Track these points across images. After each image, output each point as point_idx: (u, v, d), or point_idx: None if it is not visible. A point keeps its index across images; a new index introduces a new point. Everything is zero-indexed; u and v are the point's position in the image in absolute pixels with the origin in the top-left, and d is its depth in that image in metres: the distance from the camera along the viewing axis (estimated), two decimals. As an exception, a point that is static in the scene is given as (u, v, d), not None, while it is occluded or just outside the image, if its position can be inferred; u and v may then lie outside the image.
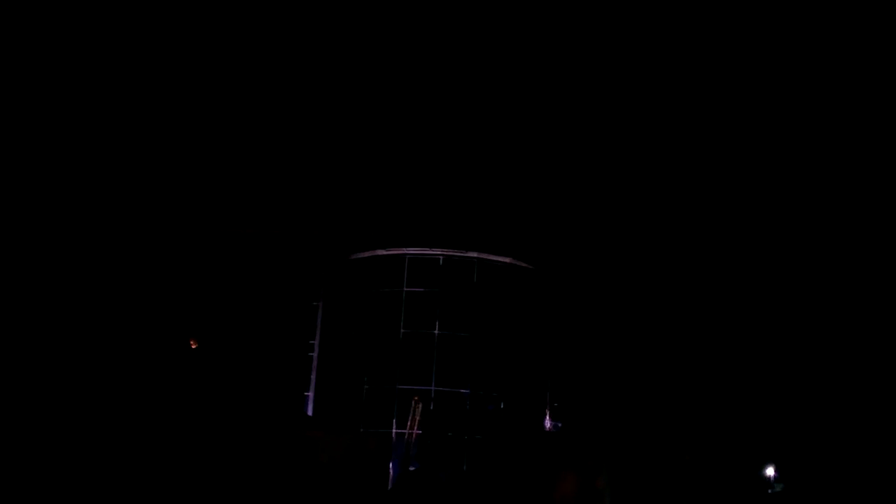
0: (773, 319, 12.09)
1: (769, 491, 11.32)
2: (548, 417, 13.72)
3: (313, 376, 14.51)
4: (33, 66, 10.90)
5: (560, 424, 13.50)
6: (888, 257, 11.32)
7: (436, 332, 14.30)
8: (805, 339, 11.86)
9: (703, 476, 12.13)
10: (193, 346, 12.72)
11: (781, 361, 12.00)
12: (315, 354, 14.63)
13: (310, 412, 14.27)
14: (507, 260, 14.63)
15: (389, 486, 12.54)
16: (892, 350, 11.21)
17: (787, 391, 11.91)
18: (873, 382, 11.40)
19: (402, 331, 14.35)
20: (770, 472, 11.44)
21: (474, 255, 14.46)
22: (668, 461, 11.53)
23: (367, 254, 14.80)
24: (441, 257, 14.50)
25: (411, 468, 12.63)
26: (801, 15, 10.66)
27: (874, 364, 11.40)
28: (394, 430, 13.80)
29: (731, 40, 11.07)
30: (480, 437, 13.95)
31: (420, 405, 13.31)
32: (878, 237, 11.52)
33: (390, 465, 13.00)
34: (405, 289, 14.49)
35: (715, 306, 12.69)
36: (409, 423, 13.03)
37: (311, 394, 14.52)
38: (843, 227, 11.74)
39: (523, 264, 14.77)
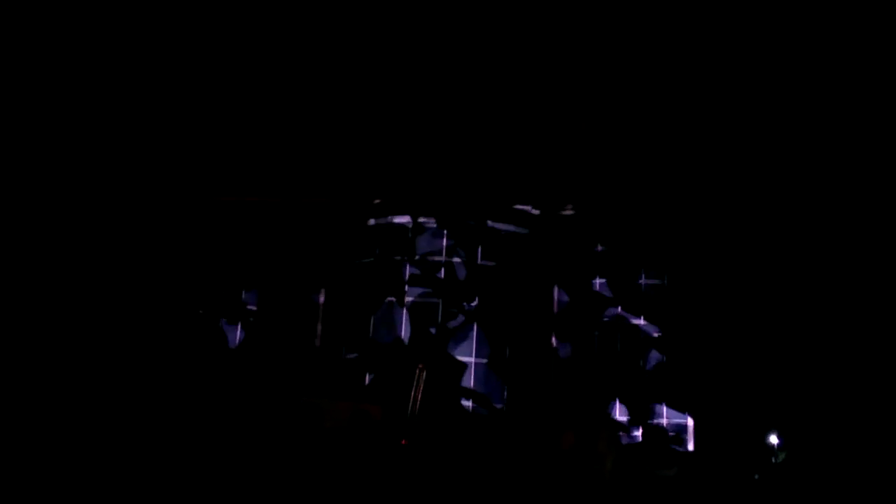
0: (777, 289, 12.01)
1: (773, 459, 11.28)
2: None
3: (317, 343, 14.57)
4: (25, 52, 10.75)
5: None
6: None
7: (440, 301, 14.32)
8: (810, 307, 11.77)
9: (707, 443, 12.11)
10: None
11: (786, 327, 11.92)
12: (319, 322, 14.68)
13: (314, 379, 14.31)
14: (512, 227, 14.62)
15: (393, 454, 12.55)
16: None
17: (792, 358, 11.85)
18: (880, 354, 11.31)
19: (408, 298, 14.37)
20: (774, 440, 11.38)
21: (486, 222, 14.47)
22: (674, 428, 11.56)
23: (375, 221, 14.79)
24: (449, 224, 14.47)
25: (415, 437, 12.62)
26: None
27: (881, 336, 11.31)
28: (398, 399, 13.78)
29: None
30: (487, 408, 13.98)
31: (424, 373, 13.25)
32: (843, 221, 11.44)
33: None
34: (416, 256, 14.49)
35: (721, 274, 12.60)
36: (412, 392, 12.98)
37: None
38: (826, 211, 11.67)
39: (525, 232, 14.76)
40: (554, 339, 14.29)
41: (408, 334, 14.28)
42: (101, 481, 8.59)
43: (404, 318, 14.35)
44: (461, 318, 14.29)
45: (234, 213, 13.56)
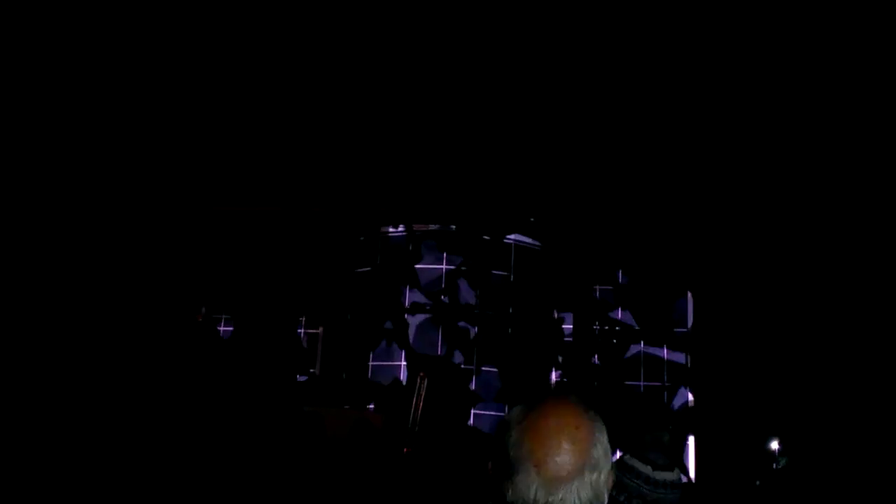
0: (777, 291, 11.99)
1: (774, 465, 11.23)
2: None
3: (319, 352, 14.61)
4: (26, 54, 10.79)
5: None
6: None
7: (444, 309, 14.35)
8: (810, 307, 11.74)
9: (707, 449, 12.09)
10: (199, 319, 12.82)
11: (786, 332, 11.90)
12: (321, 330, 14.71)
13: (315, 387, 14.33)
14: (513, 238, 14.66)
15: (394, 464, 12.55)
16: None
17: (793, 363, 11.82)
18: (880, 359, 11.27)
19: (409, 307, 14.42)
20: (774, 445, 11.34)
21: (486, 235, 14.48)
22: (672, 434, 11.50)
23: (372, 233, 14.82)
24: (453, 235, 14.51)
25: (416, 446, 12.62)
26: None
27: (881, 339, 11.27)
28: (399, 408, 13.80)
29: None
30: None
31: (426, 382, 13.25)
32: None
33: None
34: (418, 265, 14.52)
35: (716, 277, 12.60)
36: (413, 401, 12.98)
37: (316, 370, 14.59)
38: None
39: (531, 243, 14.79)
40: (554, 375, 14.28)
41: (407, 357, 14.30)
42: (105, 484, 8.66)
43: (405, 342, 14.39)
44: (461, 348, 14.30)
45: (226, 222, 13.54)
